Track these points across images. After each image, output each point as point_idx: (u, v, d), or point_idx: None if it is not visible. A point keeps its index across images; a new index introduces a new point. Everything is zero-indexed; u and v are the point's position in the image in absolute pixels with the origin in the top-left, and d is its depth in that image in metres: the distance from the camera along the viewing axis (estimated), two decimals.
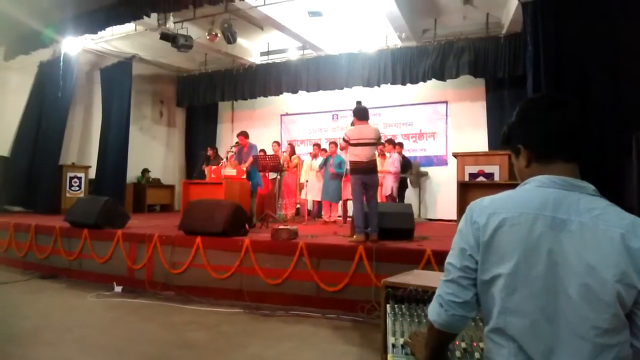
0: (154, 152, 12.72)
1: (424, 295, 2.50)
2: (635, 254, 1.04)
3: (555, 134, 1.20)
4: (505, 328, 1.14)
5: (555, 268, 1.09)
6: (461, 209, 4.72)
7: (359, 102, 5.77)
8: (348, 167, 8.24)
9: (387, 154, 8.84)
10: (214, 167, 7.76)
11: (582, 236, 1.08)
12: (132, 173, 11.33)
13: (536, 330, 1.09)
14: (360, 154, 5.23)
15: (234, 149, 8.19)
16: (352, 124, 5.52)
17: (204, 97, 12.16)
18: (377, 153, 5.58)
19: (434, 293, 2.55)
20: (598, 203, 1.14)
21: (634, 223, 1.09)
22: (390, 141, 9.15)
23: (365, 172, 5.24)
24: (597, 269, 1.05)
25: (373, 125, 5.81)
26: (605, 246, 1.06)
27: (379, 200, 6.45)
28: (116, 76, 10.63)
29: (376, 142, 5.36)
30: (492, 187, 4.75)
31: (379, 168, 7.61)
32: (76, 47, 9.74)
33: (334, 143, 8.72)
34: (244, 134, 7.87)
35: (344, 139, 5.39)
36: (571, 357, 1.05)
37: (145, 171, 11.94)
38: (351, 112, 5.57)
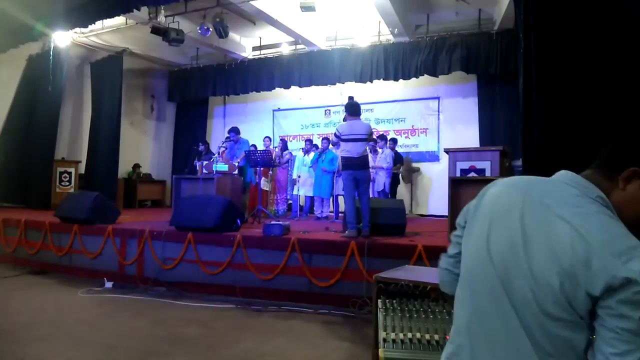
0: (145, 147, 12.64)
1: (415, 291, 2.52)
2: (592, 268, 0.98)
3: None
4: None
5: (523, 230, 1.10)
6: (453, 204, 4.73)
7: (351, 98, 5.77)
8: (340, 163, 8.27)
9: (380, 150, 8.85)
10: (205, 162, 7.73)
11: (552, 225, 1.07)
12: (123, 168, 11.24)
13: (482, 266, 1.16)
14: (351, 150, 5.24)
15: (225, 144, 8.16)
16: (345, 120, 5.53)
17: (195, 91, 12.08)
18: (368, 149, 5.60)
19: (425, 288, 2.58)
20: (592, 208, 1.08)
21: (610, 242, 0.99)
22: (383, 137, 9.17)
23: (357, 167, 5.25)
24: (555, 256, 1.03)
25: (365, 121, 5.82)
26: (565, 243, 1.02)
27: (371, 196, 6.47)
28: (106, 70, 10.53)
29: (367, 138, 5.37)
30: (483, 182, 4.73)
31: (371, 164, 7.65)
32: (66, 40, 9.63)
33: (326, 139, 8.71)
34: (235, 130, 7.85)
35: (335, 135, 5.40)
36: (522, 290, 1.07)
37: (136, 166, 11.86)
38: (343, 108, 5.58)
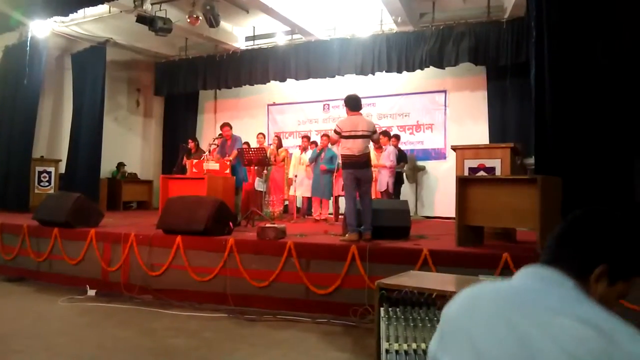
0: (130, 144, 12.63)
1: (420, 298, 2.52)
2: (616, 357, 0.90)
3: None
4: None
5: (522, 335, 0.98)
6: (460, 205, 4.74)
7: (350, 94, 5.80)
8: (340, 162, 8.27)
9: (382, 147, 8.84)
10: (195, 161, 7.72)
11: (545, 319, 0.97)
12: (106, 167, 11.24)
13: None
14: (352, 147, 5.24)
15: (216, 142, 8.16)
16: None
17: (184, 85, 12.07)
18: (370, 146, 5.61)
19: (430, 295, 2.59)
20: (574, 295, 1.02)
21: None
22: (386, 133, 9.15)
23: (358, 166, 5.26)
24: None
25: (367, 117, 5.82)
26: (571, 334, 0.94)
27: (373, 197, 6.47)
28: (88, 62, 10.51)
29: (370, 135, 5.38)
30: (493, 182, 4.77)
31: (374, 162, 7.66)
32: (45, 30, 9.60)
33: (326, 135, 8.70)
34: (227, 126, 7.85)
35: (335, 131, 5.41)
36: None
37: (120, 165, 11.86)
38: (343, 102, 5.59)
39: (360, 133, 5.26)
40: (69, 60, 10.82)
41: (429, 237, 5.67)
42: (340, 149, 5.47)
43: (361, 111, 5.55)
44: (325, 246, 5.01)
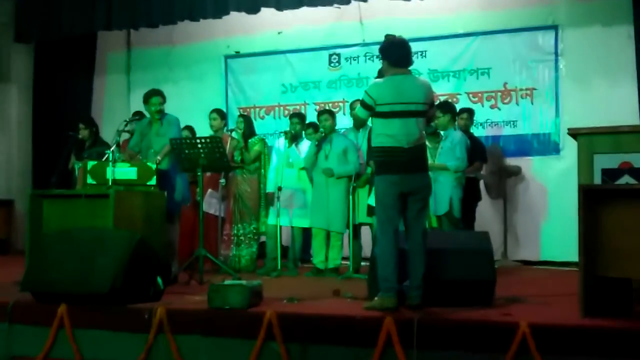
0: None
1: None
2: None
3: None
4: None
5: None
6: (589, 240, 4.71)
7: (389, 37, 5.83)
8: (362, 162, 8.25)
9: (441, 133, 8.84)
10: (92, 162, 7.74)
11: None
12: None
13: None
14: (398, 133, 5.26)
15: (131, 128, 8.16)
16: (381, 75, 5.57)
17: (70, 23, 12.09)
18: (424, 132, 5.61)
19: None
20: None
21: None
22: (446, 106, 9.14)
23: (409, 168, 5.29)
24: None
25: (421, 78, 5.83)
26: None
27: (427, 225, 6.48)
28: None
29: (426, 111, 5.43)
30: None
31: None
32: None
33: (328, 112, 8.69)
34: (159, 95, 7.80)
35: (362, 103, 5.42)
36: None
37: None
38: (375, 53, 5.63)
39: (412, 106, 5.29)
40: None
41: (530, 301, 5.69)
42: (374, 137, 5.42)
43: (410, 67, 5.61)
44: (336, 320, 5.02)
